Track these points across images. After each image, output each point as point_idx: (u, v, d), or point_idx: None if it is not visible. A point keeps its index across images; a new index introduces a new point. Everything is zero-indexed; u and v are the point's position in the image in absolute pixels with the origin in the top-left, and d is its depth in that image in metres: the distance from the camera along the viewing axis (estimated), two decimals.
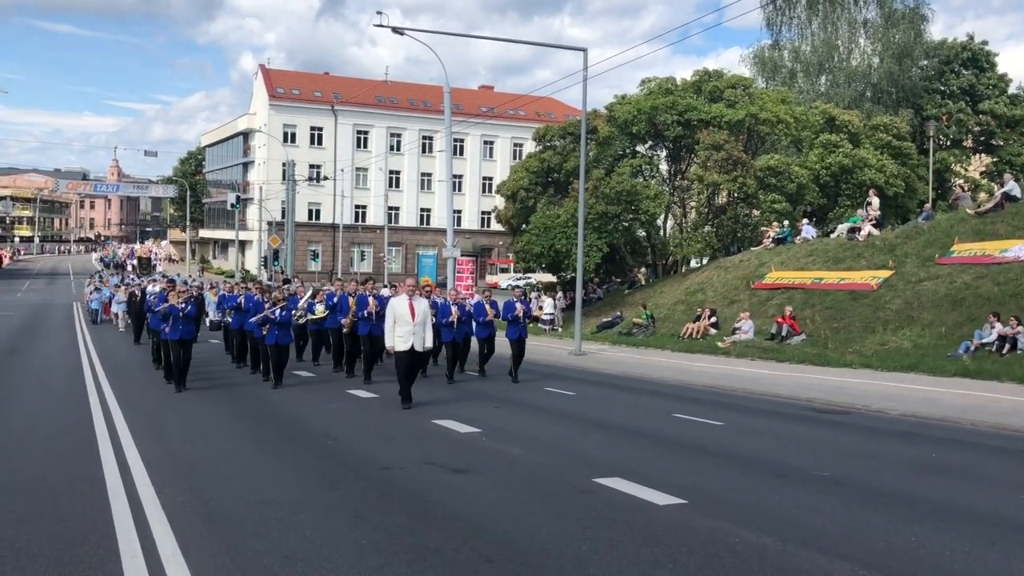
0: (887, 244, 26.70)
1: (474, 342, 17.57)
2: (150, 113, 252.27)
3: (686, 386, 17.21)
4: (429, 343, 12.57)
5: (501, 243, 72.98)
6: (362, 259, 74.78)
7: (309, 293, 18.36)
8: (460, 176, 77.08)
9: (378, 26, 24.66)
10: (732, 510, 6.84)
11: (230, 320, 18.81)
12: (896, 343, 21.61)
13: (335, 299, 17.63)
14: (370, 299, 16.04)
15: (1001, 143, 42.86)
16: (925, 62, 44.20)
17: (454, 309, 16.54)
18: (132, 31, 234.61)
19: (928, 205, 29.92)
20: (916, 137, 39.02)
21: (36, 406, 12.79)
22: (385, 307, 14.43)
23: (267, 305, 15.65)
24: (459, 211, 77.55)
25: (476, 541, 5.92)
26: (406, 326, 12.09)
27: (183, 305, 14.42)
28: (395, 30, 28.36)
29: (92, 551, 5.72)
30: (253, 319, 15.78)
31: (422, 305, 12.46)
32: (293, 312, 16.20)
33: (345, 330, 16.89)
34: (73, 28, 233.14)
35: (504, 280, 64.40)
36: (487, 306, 17.16)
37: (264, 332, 15.24)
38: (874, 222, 28.54)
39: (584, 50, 24.48)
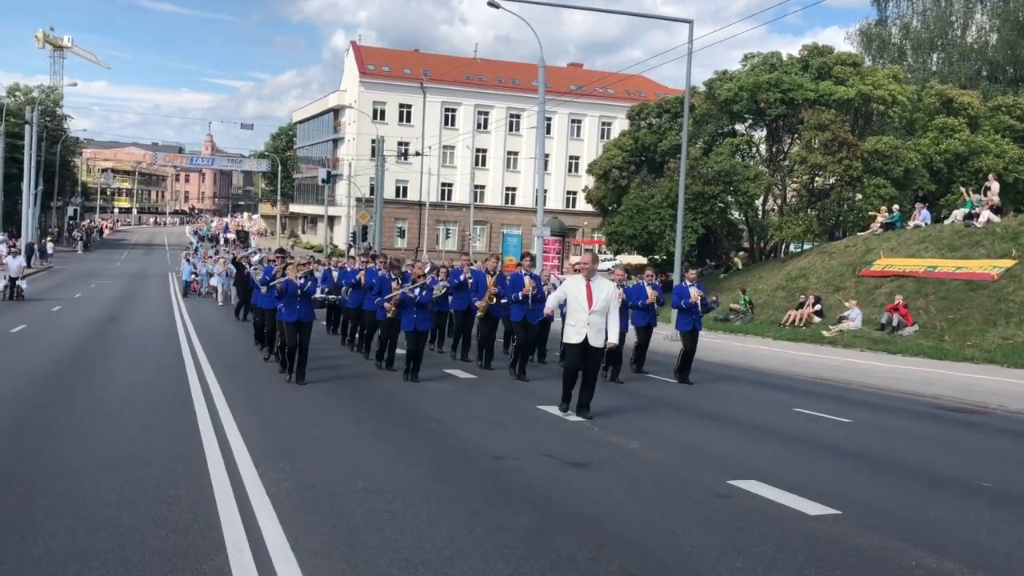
0: (1009, 232, 24.99)
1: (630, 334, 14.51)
2: (244, 90, 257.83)
3: (797, 377, 16.25)
4: (613, 337, 9.98)
5: (586, 223, 72.01)
6: (447, 237, 74.71)
7: (428, 268, 15.90)
8: (547, 155, 75.98)
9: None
10: (895, 525, 6.04)
11: (346, 299, 16.65)
12: (1021, 338, 20.14)
13: (461, 276, 15.33)
14: (527, 279, 13.94)
15: None
16: None
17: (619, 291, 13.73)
18: (229, 9, 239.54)
19: None
20: None
21: (134, 377, 12.63)
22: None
23: (394, 283, 13.25)
24: (544, 190, 76.52)
25: (612, 550, 5.27)
26: (580, 313, 9.82)
27: (302, 281, 12.29)
28: (490, 3, 27.79)
29: (196, 541, 5.28)
30: (384, 298, 13.12)
31: (604, 289, 9.94)
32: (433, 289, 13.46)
33: (480, 314, 14.85)
34: (173, 7, 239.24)
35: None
36: (648, 288, 14.39)
37: (390, 315, 13.05)
38: (993, 208, 26.77)
39: (690, 22, 23.49)
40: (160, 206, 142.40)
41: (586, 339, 9.71)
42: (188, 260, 35.50)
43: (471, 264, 16.52)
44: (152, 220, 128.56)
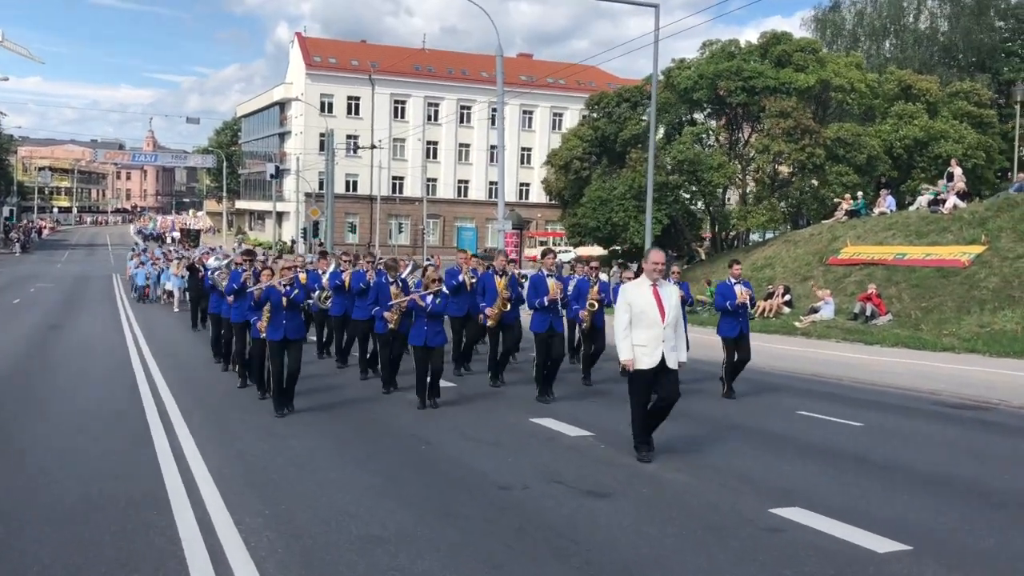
0: (976, 217, 24.76)
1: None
2: (186, 85, 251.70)
3: (783, 373, 15.58)
4: (684, 356, 8.15)
5: (540, 215, 71.35)
6: (400, 231, 73.54)
7: (409, 268, 13.71)
8: (497, 147, 75.28)
9: None
10: (980, 562, 5.31)
11: (322, 305, 13.73)
12: (999, 325, 19.81)
13: (460, 277, 13.30)
14: (551, 281, 11.56)
15: None
16: (1000, 23, 41.65)
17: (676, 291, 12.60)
18: (169, 3, 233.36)
19: (1023, 175, 27.79)
20: (993, 103, 36.65)
21: (80, 401, 11.30)
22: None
23: (392, 287, 11.22)
24: (496, 182, 75.80)
25: None
26: (651, 329, 7.74)
27: (288, 288, 10.00)
28: None
29: None
30: (384, 307, 11.01)
31: (673, 296, 7.97)
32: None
33: (491, 323, 12.60)
34: (112, 0, 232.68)
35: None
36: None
37: (391, 326, 11.02)
38: (959, 193, 26.57)
39: (656, 6, 22.72)
40: (101, 205, 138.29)
41: (662, 360, 7.73)
42: (141, 263, 32.69)
43: (479, 263, 14.35)
44: (91, 220, 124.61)
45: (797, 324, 23.14)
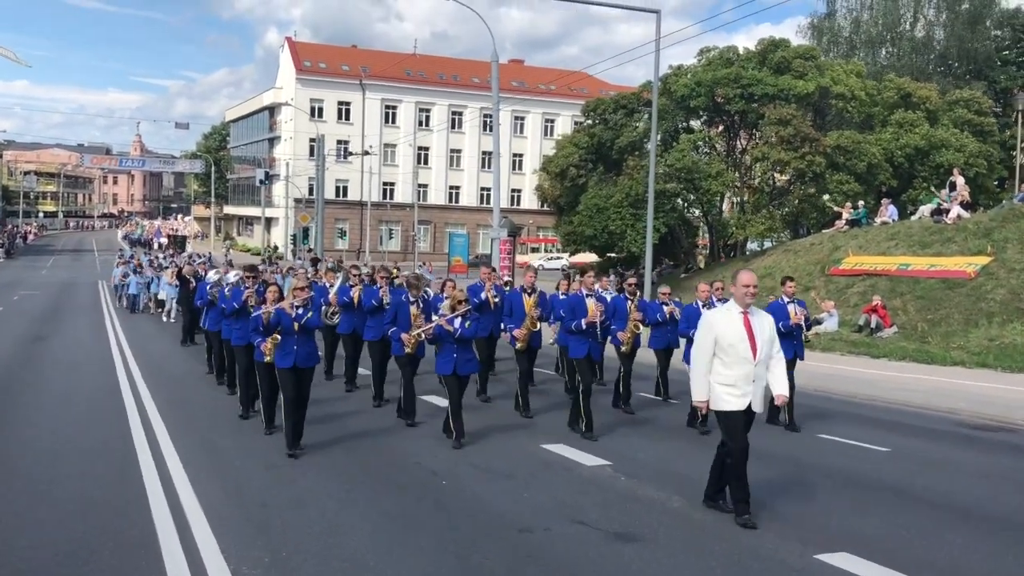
0: (981, 228, 24.39)
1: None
2: (174, 89, 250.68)
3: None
4: (784, 387, 6.90)
5: (531, 221, 70.91)
6: (390, 237, 72.96)
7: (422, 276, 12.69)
8: (489, 153, 74.90)
9: None
10: None
11: (330, 321, 10.92)
12: (1008, 339, 19.43)
13: (483, 295, 12.45)
14: (590, 302, 10.29)
15: None
16: (997, 32, 41.44)
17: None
18: (158, 7, 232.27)
19: None
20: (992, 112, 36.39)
21: (64, 427, 10.46)
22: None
23: (412, 307, 10.00)
24: (489, 188, 75.30)
25: None
26: (740, 366, 6.57)
27: (301, 311, 8.87)
28: None
29: None
30: (402, 329, 9.82)
31: (767, 327, 6.72)
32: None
33: (519, 345, 11.36)
34: (99, 4, 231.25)
35: (535, 260, 62.29)
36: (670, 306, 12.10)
37: (408, 350, 9.93)
38: (963, 203, 26.20)
39: (657, 12, 22.37)
40: (88, 209, 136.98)
41: (750, 404, 6.63)
42: (136, 271, 30.67)
43: (499, 279, 13.46)
44: (75, 224, 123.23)
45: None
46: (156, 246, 68.14)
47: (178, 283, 21.69)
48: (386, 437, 9.96)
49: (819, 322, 22.99)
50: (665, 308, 12.06)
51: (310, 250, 55.44)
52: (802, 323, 10.91)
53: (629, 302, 11.47)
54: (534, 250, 70.61)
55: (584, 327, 10.06)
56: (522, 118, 76.22)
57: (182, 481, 7.64)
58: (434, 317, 9.66)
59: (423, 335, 9.60)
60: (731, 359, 6.58)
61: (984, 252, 22.89)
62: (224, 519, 6.55)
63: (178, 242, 70.15)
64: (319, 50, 77.17)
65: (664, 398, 12.59)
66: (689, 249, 36.36)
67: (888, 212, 27.90)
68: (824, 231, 29.85)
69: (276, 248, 68.32)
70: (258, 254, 67.00)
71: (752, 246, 36.71)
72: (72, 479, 7.85)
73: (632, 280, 12.11)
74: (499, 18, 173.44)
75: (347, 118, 72.78)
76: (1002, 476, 8.76)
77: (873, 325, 21.82)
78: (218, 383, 13.29)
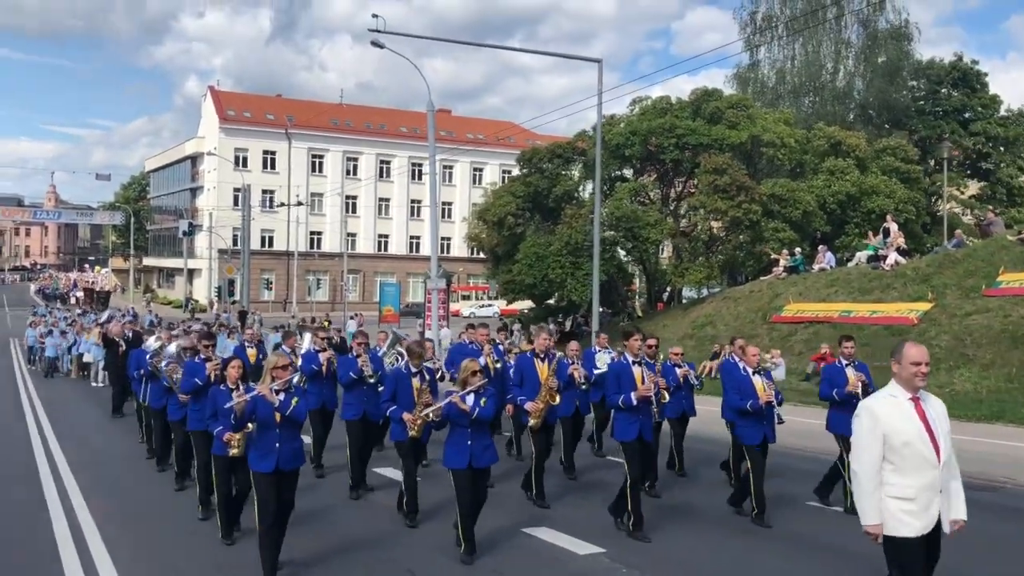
0: (919, 274, 24.71)
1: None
2: (90, 138, 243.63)
3: None
4: (962, 511, 5.13)
5: (461, 268, 70.41)
6: (318, 287, 71.65)
7: (390, 341, 11.25)
8: (418, 201, 74.54)
9: (372, 31, 22.17)
10: None
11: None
12: (957, 386, 19.50)
13: (483, 360, 10.91)
14: (637, 370, 8.63)
15: (991, 167, 41.63)
16: (913, 83, 42.88)
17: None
18: (72, 55, 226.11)
19: (959, 232, 28.06)
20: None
21: None
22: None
23: (415, 379, 8.55)
24: (418, 237, 74.87)
25: None
26: (921, 472, 4.97)
27: (283, 398, 6.94)
28: (375, 43, 25.77)
29: None
30: (403, 408, 8.38)
31: (943, 416, 5.13)
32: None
33: (532, 421, 9.61)
34: (8, 51, 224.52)
35: (466, 308, 61.55)
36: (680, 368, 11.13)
37: (413, 432, 8.35)
38: (899, 250, 26.57)
39: (599, 61, 22.36)
40: None
41: (938, 521, 4.98)
42: (51, 332, 28.40)
43: (496, 341, 12.00)
44: None
45: None
46: (73, 300, 65.28)
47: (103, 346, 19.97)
48: (358, 528, 8.75)
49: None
50: (678, 371, 10.92)
51: (235, 301, 53.77)
52: (858, 391, 9.00)
53: (637, 365, 8.81)
54: (464, 297, 70.04)
55: (634, 402, 8.31)
56: (451, 167, 76.16)
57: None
58: (447, 396, 7.72)
59: (431, 415, 7.69)
60: (906, 463, 4.95)
61: (924, 298, 23.10)
62: None
63: (100, 298, 65.75)
64: (243, 99, 76.02)
65: (678, 471, 11.59)
66: (626, 297, 36.19)
67: (825, 259, 28.15)
68: (762, 278, 29.97)
69: (197, 302, 66.14)
70: (180, 307, 64.76)
71: (690, 293, 36.74)
72: None
73: (652, 342, 9.45)
74: (423, 68, 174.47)
75: (273, 167, 71.64)
76: (994, 540, 8.34)
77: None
78: (158, 470, 11.50)
